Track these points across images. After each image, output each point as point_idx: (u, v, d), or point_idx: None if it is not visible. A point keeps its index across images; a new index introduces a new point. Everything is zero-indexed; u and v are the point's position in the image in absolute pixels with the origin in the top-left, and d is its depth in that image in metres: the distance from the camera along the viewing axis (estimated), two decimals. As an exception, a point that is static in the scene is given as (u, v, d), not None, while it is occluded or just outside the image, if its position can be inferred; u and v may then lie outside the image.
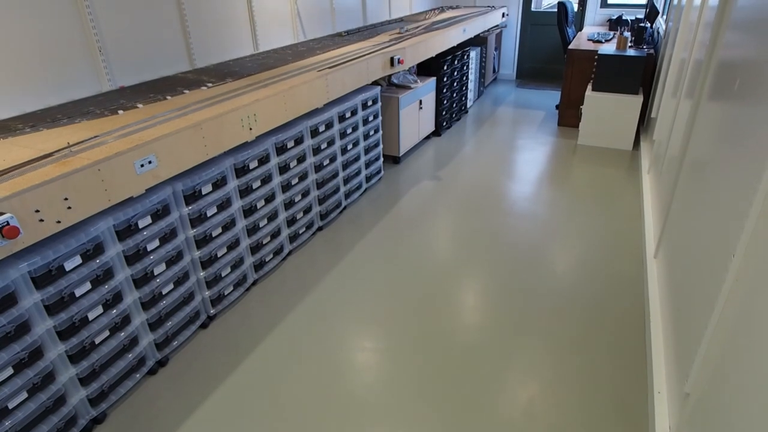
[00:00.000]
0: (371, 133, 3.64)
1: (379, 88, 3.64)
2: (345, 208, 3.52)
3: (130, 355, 1.98)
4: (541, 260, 2.84)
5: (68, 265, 1.68)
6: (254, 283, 2.70)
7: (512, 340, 2.25)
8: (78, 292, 1.74)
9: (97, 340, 1.84)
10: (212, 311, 2.40)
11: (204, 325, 2.39)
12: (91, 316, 1.80)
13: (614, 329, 2.29)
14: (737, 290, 1.22)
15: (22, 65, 2.18)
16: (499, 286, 2.63)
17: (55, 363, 1.69)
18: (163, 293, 2.11)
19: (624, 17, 5.77)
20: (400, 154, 4.23)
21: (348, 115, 3.27)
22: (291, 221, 2.90)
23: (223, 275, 2.43)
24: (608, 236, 3.08)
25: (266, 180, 2.62)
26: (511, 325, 2.34)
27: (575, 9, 6.37)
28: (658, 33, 5.08)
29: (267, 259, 2.75)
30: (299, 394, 1.99)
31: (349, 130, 3.33)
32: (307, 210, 3.04)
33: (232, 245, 2.45)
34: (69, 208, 1.55)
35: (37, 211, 1.45)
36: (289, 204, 2.85)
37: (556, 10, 5.92)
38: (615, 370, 2.06)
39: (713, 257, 1.47)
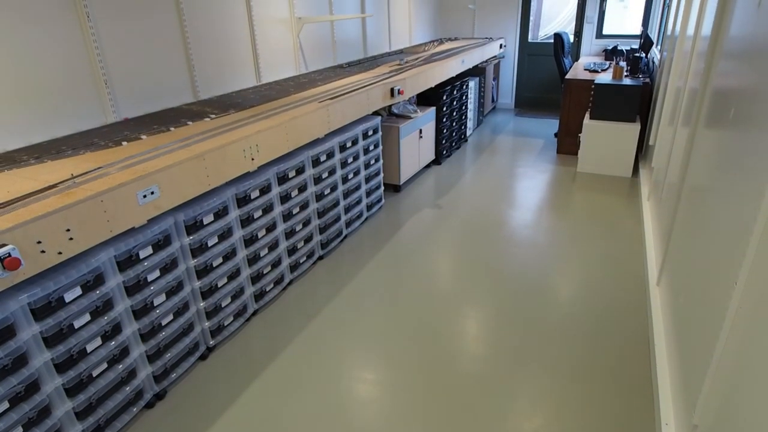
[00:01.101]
0: (372, 162, 3.68)
1: (379, 118, 3.70)
2: (346, 236, 3.52)
3: (127, 388, 1.95)
4: (543, 288, 2.83)
5: (68, 297, 1.68)
6: (254, 313, 2.68)
7: (514, 369, 2.21)
8: (77, 324, 1.72)
9: (95, 373, 1.82)
10: (212, 342, 2.38)
11: (203, 357, 2.36)
12: (89, 348, 1.78)
13: (619, 358, 2.25)
14: (740, 318, 1.21)
15: (30, 98, 2.22)
16: (500, 314, 2.61)
17: (51, 397, 1.66)
18: (163, 324, 2.09)
19: (619, 48, 5.89)
20: (401, 183, 4.26)
21: (349, 144, 3.31)
22: (292, 250, 2.90)
23: (223, 305, 2.41)
24: (610, 263, 3.06)
25: (267, 209, 2.63)
26: (513, 355, 2.31)
27: (571, 40, 6.51)
28: (653, 63, 5.18)
29: (267, 289, 2.74)
30: (300, 428, 1.95)
31: (350, 160, 3.37)
32: (308, 239, 3.04)
33: (233, 275, 2.45)
34: (71, 239, 1.55)
35: (39, 242, 1.46)
36: (290, 233, 2.85)
37: (552, 41, 6.04)
38: (621, 401, 2.02)
39: (716, 285, 1.46)
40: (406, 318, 2.60)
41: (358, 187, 3.54)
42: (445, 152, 5.06)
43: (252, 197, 2.49)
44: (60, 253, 1.53)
